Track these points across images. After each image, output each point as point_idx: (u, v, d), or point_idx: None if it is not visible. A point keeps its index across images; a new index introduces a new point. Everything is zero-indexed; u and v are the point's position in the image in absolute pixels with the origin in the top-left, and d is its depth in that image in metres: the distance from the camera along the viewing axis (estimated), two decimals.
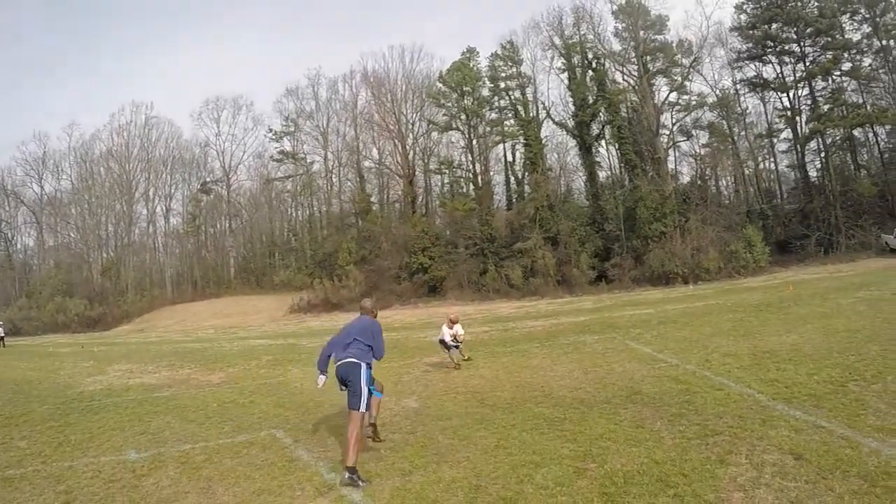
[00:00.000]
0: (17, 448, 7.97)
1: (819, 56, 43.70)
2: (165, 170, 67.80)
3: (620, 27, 47.51)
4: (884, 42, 43.36)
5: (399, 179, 55.54)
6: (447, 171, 54.57)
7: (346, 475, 5.41)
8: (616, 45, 48.41)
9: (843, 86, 44.04)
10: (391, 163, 56.87)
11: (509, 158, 53.19)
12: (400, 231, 49.33)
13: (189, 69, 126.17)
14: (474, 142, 51.71)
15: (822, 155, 44.68)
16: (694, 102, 47.45)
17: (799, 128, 45.12)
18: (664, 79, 48.11)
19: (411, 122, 55.70)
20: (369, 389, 6.20)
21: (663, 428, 6.15)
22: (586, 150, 47.85)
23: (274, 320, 42.10)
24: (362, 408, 6.05)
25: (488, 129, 51.79)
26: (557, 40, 49.35)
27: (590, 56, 48.23)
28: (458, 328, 12.43)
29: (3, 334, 35.03)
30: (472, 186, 51.89)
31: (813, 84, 44.12)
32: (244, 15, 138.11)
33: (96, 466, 6.69)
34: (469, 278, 43.81)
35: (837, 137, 44.57)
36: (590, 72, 47.97)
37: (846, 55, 43.40)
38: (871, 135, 46.56)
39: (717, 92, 48.24)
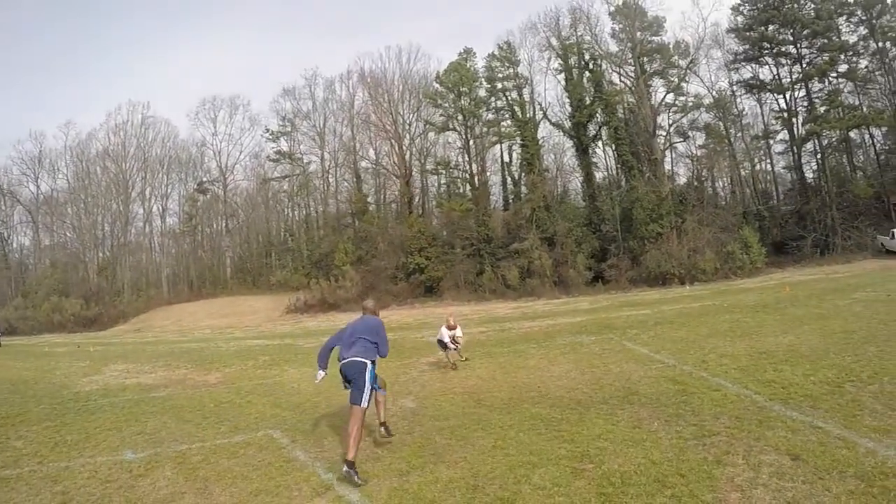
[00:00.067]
0: (14, 448, 7.95)
1: (815, 58, 43.85)
2: (162, 169, 67.49)
3: (617, 28, 47.74)
4: (880, 44, 43.50)
5: (396, 180, 55.56)
6: (444, 172, 54.59)
7: (345, 469, 5.46)
8: (613, 47, 48.70)
9: (840, 87, 44.21)
10: (388, 163, 56.91)
11: (506, 159, 53.31)
12: (396, 231, 49.29)
13: (186, 69, 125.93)
14: (471, 142, 51.71)
15: (819, 156, 44.82)
16: (690, 104, 47.47)
17: (795, 129, 45.27)
18: (661, 80, 48.30)
19: (408, 122, 55.81)
20: (372, 386, 6.28)
21: (660, 428, 6.16)
22: (583, 150, 47.97)
23: (270, 320, 42.03)
24: (364, 403, 6.10)
25: (485, 129, 51.77)
26: (554, 41, 49.57)
27: (587, 57, 48.40)
28: (458, 329, 12.56)
29: None
30: (468, 187, 51.96)
31: (809, 86, 44.26)
32: (241, 14, 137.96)
33: (93, 467, 6.68)
34: (465, 279, 43.81)
35: (834, 139, 44.74)
36: (587, 73, 48.13)
37: (843, 57, 43.55)
38: (867, 136, 46.80)
39: (714, 93, 48.42)
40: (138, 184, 66.49)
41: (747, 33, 45.97)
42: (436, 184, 57.66)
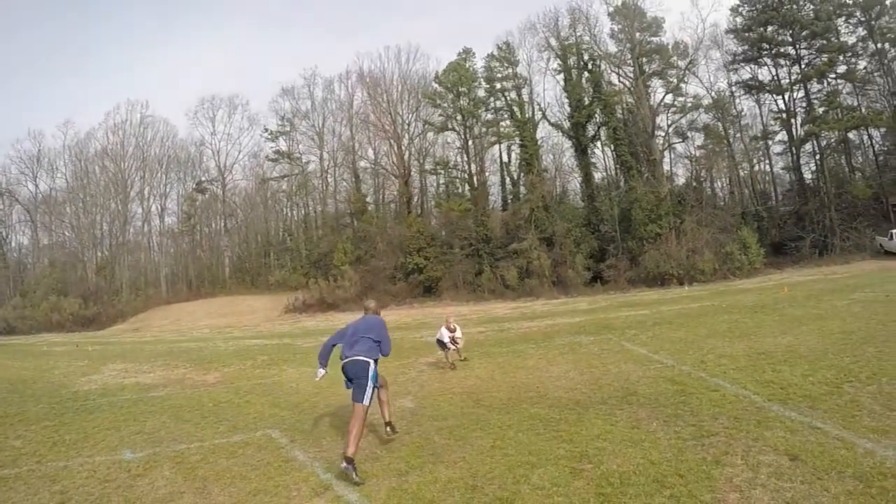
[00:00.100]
0: (12, 447, 7.94)
1: (814, 59, 43.90)
2: (160, 169, 67.46)
3: (616, 29, 47.75)
4: (879, 45, 43.55)
5: (395, 180, 55.57)
6: (443, 172, 54.57)
7: (344, 464, 5.49)
8: (612, 47, 48.70)
9: (839, 88, 44.24)
10: (387, 163, 56.91)
11: (505, 159, 53.35)
12: (395, 231, 49.29)
13: (185, 68, 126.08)
14: (470, 142, 51.75)
15: (817, 157, 44.82)
16: (689, 104, 47.50)
17: (794, 130, 45.32)
18: (660, 80, 48.30)
19: (407, 122, 55.82)
20: (374, 385, 6.34)
21: (659, 429, 6.16)
22: (582, 151, 47.98)
23: (269, 320, 42.02)
24: (366, 401, 6.15)
25: (484, 129, 51.79)
26: (553, 41, 49.60)
27: (586, 57, 48.42)
28: (458, 330, 12.62)
29: None
30: (467, 187, 51.97)
31: (808, 86, 44.28)
32: (240, 14, 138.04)
33: (91, 466, 6.67)
34: (464, 279, 43.81)
35: (832, 140, 44.76)
36: (586, 73, 48.15)
37: (841, 58, 43.60)
38: (865, 137, 46.82)
39: (713, 94, 48.42)
40: (137, 183, 66.53)
41: (746, 34, 45.99)
42: (434, 184, 57.72)
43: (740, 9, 46.55)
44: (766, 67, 46.83)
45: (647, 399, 7.58)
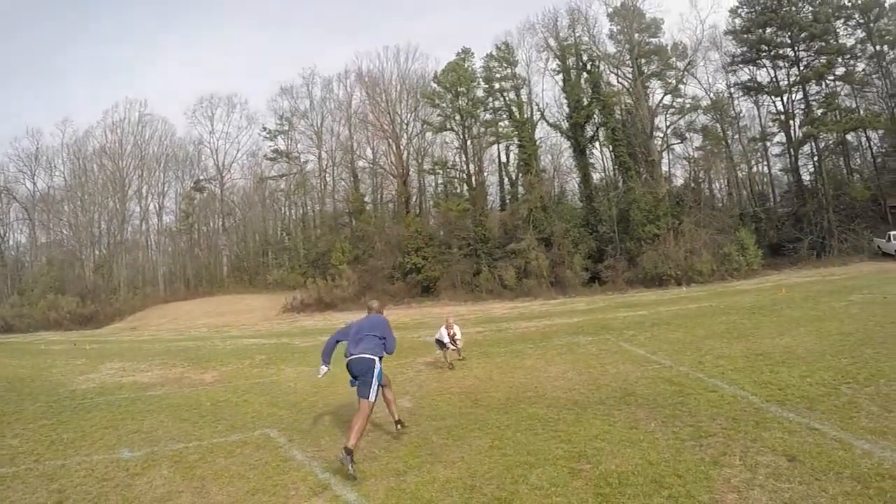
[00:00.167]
0: (10, 446, 7.94)
1: (813, 60, 43.98)
2: (159, 167, 67.34)
3: (615, 30, 47.75)
4: (877, 47, 43.70)
5: (393, 179, 55.50)
6: (441, 172, 54.43)
7: (343, 454, 5.54)
8: (611, 48, 48.68)
9: (837, 90, 44.39)
10: (385, 163, 56.81)
11: (503, 159, 53.22)
12: (393, 231, 49.24)
13: (184, 67, 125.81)
14: (468, 142, 51.73)
15: (816, 159, 44.89)
16: (688, 105, 47.54)
17: (792, 132, 45.38)
18: (658, 81, 48.30)
19: (406, 122, 55.68)
20: (379, 382, 6.42)
21: (657, 429, 6.16)
22: (580, 151, 47.93)
23: (267, 319, 41.97)
24: (372, 397, 6.25)
25: (482, 129, 51.73)
26: (552, 42, 49.54)
27: (584, 58, 48.35)
28: (457, 330, 12.65)
29: None
30: (465, 187, 51.89)
31: (807, 88, 44.37)
32: (240, 13, 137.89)
33: (89, 465, 6.67)
34: (462, 279, 43.77)
35: (831, 141, 44.83)
36: (584, 74, 48.09)
37: (840, 60, 43.71)
38: (863, 139, 47.03)
39: (712, 95, 48.54)
40: (135, 182, 66.38)
41: (745, 35, 46.07)
42: (433, 184, 57.58)
43: (739, 10, 46.69)
44: (764, 69, 46.99)
45: (646, 399, 7.59)
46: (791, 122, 45.37)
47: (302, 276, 50.51)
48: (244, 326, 37.37)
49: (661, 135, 47.65)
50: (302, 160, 63.45)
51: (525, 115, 49.25)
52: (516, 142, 49.26)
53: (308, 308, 44.53)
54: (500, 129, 50.86)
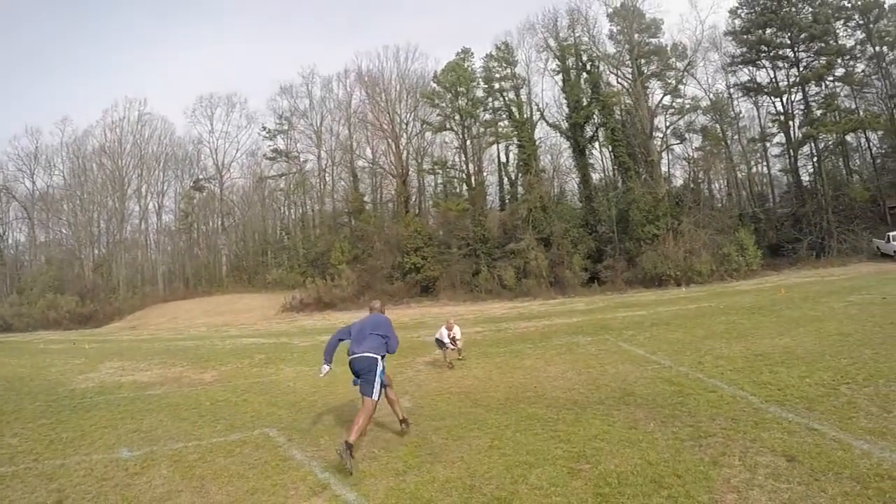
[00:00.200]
0: (9, 445, 7.94)
1: (813, 61, 44.00)
2: (158, 166, 67.33)
3: (615, 30, 47.74)
4: (877, 48, 43.74)
5: (392, 179, 55.48)
6: (440, 172, 54.45)
7: (343, 447, 5.65)
8: (611, 48, 48.67)
9: (837, 91, 44.45)
10: (385, 162, 56.81)
11: (503, 159, 53.20)
12: (393, 231, 49.23)
13: (183, 66, 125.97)
14: (468, 142, 51.74)
15: (815, 159, 44.94)
16: (688, 106, 47.59)
17: (792, 132, 45.40)
18: (658, 82, 48.33)
19: (405, 121, 55.66)
20: (382, 381, 6.51)
21: (657, 429, 6.17)
22: (580, 151, 47.90)
23: (266, 319, 41.94)
24: (375, 396, 6.35)
25: (482, 129, 51.77)
26: (552, 42, 49.51)
27: (584, 58, 48.32)
28: (457, 330, 12.64)
29: None
30: (465, 187, 51.86)
31: (806, 89, 44.41)
32: (239, 12, 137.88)
33: (88, 464, 6.67)
34: (462, 279, 43.76)
35: (830, 142, 44.85)
36: (584, 74, 48.05)
37: (840, 61, 43.75)
38: (863, 140, 47.10)
39: (711, 96, 48.65)
40: (134, 181, 66.37)
41: (745, 36, 46.08)
42: (432, 183, 57.66)
43: (739, 11, 46.72)
44: (764, 70, 47.03)
45: (645, 400, 7.59)
46: (790, 122, 45.41)
47: (301, 276, 50.51)
48: (243, 326, 37.34)
49: (661, 135, 47.71)
50: (301, 160, 63.56)
51: (525, 116, 49.21)
52: (516, 142, 49.21)
53: (307, 308, 44.51)
54: (500, 129, 50.86)
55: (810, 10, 43.84)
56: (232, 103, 69.20)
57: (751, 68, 47.45)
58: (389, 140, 54.32)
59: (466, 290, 42.59)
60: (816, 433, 5.51)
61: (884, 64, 43.95)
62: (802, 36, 43.28)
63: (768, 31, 44.81)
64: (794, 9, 43.97)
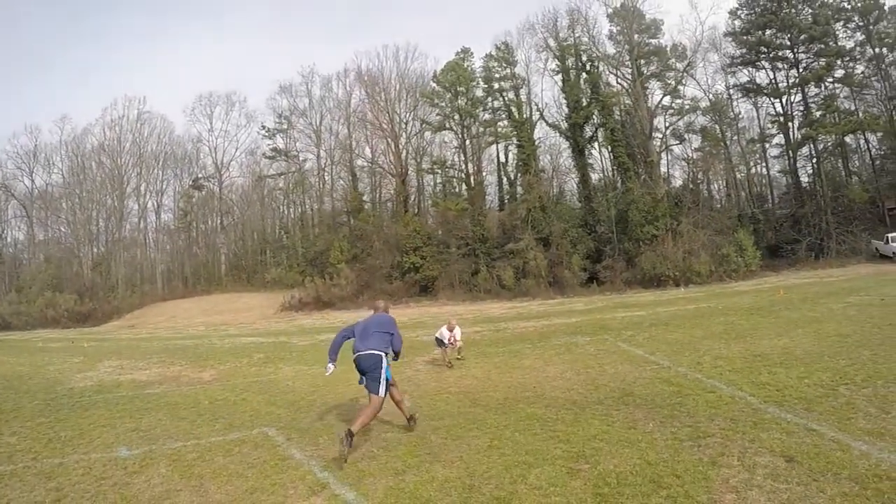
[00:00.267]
0: (7, 444, 7.93)
1: (812, 63, 44.04)
2: (157, 165, 67.26)
3: (615, 30, 47.78)
4: (877, 50, 43.77)
5: (392, 178, 55.44)
6: (440, 171, 54.39)
7: (344, 433, 5.84)
8: (610, 48, 48.69)
9: (836, 92, 44.47)
10: (384, 162, 56.79)
11: (502, 159, 53.15)
12: (392, 230, 49.25)
13: (182, 64, 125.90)
14: (467, 142, 51.74)
15: (814, 161, 45.01)
16: (687, 106, 47.65)
17: (791, 133, 45.46)
18: (658, 82, 48.39)
19: (405, 121, 55.67)
20: (387, 378, 6.65)
21: (655, 429, 6.17)
22: (579, 152, 47.90)
23: (265, 318, 41.94)
24: (381, 393, 6.47)
25: (481, 129, 51.75)
26: (552, 42, 49.50)
27: (584, 58, 48.31)
28: (458, 331, 12.65)
29: None
30: (464, 186, 51.83)
31: (806, 90, 44.44)
32: (239, 10, 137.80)
33: (87, 463, 6.66)
34: (460, 278, 43.78)
35: (829, 143, 44.90)
36: (584, 74, 48.04)
37: (839, 62, 43.79)
38: (862, 141, 47.10)
39: (711, 96, 48.66)
40: (133, 179, 66.29)
41: (744, 37, 46.13)
42: (432, 183, 57.56)
43: (739, 12, 46.78)
44: (763, 71, 47.07)
45: (644, 400, 7.60)
46: (790, 123, 45.48)
47: (300, 275, 50.49)
48: (242, 325, 37.33)
49: (660, 136, 47.79)
50: (300, 159, 63.60)
51: (524, 115, 49.20)
52: (515, 142, 49.20)
53: (306, 307, 44.52)
54: (499, 129, 50.88)
55: (810, 11, 43.89)
56: (231, 102, 69.24)
57: (750, 69, 47.50)
58: (389, 139, 54.34)
59: (465, 290, 42.61)
60: (815, 434, 5.51)
61: (883, 65, 43.96)
62: (802, 37, 43.32)
63: (768, 32, 44.85)
64: (793, 10, 44.01)
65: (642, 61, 46.69)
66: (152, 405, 10.21)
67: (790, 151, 45.72)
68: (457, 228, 46.76)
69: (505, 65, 50.40)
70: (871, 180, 44.57)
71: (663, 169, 48.58)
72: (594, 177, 49.89)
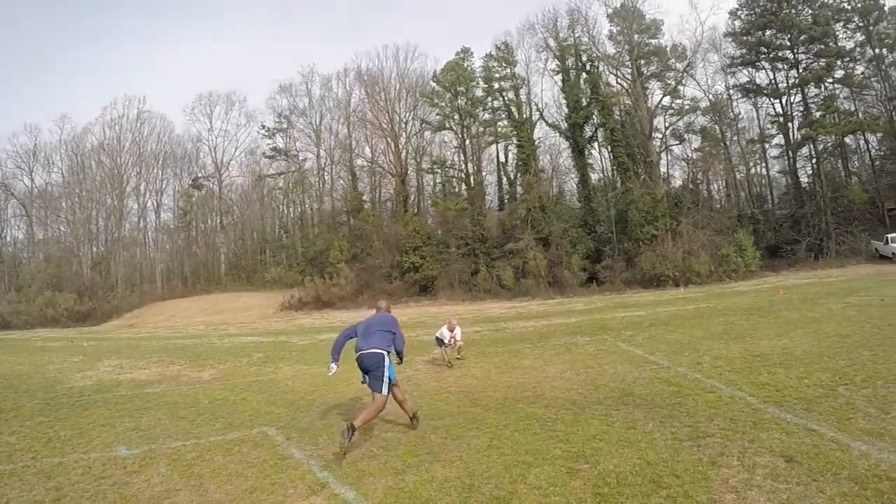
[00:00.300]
0: (7, 443, 7.92)
1: (812, 63, 44.03)
2: (157, 164, 67.16)
3: (615, 30, 47.76)
4: (876, 50, 43.78)
5: (391, 178, 55.40)
6: (439, 171, 54.36)
7: (346, 427, 5.92)
8: (610, 48, 48.65)
9: (836, 93, 44.47)
10: (384, 161, 56.75)
11: (502, 159, 53.12)
12: (391, 230, 49.23)
13: (182, 64, 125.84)
14: (467, 142, 51.71)
15: (814, 161, 45.01)
16: (687, 107, 47.66)
17: (791, 134, 45.45)
18: (658, 82, 48.39)
19: (404, 121, 55.63)
20: (390, 377, 6.67)
21: (655, 429, 6.17)
22: (579, 152, 47.86)
23: (264, 317, 41.91)
24: (384, 391, 6.53)
25: (481, 129, 51.71)
26: (552, 42, 49.47)
27: (584, 58, 48.27)
28: (458, 332, 12.66)
29: None
30: (464, 186, 51.79)
31: (805, 91, 44.43)
32: (239, 10, 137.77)
33: (86, 463, 6.66)
34: (460, 278, 43.77)
35: (829, 144, 44.88)
36: (584, 74, 48.00)
37: (839, 63, 43.79)
38: (862, 142, 47.11)
39: (710, 97, 48.66)
40: (133, 179, 66.19)
41: (744, 38, 46.12)
42: (431, 183, 57.54)
43: (739, 12, 46.80)
44: (763, 71, 47.07)
45: (644, 400, 7.60)
46: (790, 124, 45.48)
47: (300, 275, 50.46)
48: (242, 324, 37.30)
49: (660, 136, 47.79)
50: (300, 158, 63.54)
51: (524, 115, 49.16)
52: (515, 141, 49.16)
53: (306, 306, 44.51)
54: (499, 129, 50.85)
55: (810, 11, 43.88)
56: (231, 101, 69.16)
57: (750, 70, 47.52)
58: (388, 139, 54.31)
59: (465, 290, 42.60)
60: (815, 434, 5.52)
61: (883, 66, 43.97)
62: (802, 38, 43.31)
63: (768, 32, 44.84)
64: (793, 10, 44.01)
65: (642, 61, 46.69)
66: (152, 404, 10.20)
67: (790, 152, 45.73)
68: (456, 228, 46.75)
69: (505, 65, 50.38)
70: (870, 181, 44.59)
71: (663, 169, 48.70)
72: (594, 177, 49.96)
